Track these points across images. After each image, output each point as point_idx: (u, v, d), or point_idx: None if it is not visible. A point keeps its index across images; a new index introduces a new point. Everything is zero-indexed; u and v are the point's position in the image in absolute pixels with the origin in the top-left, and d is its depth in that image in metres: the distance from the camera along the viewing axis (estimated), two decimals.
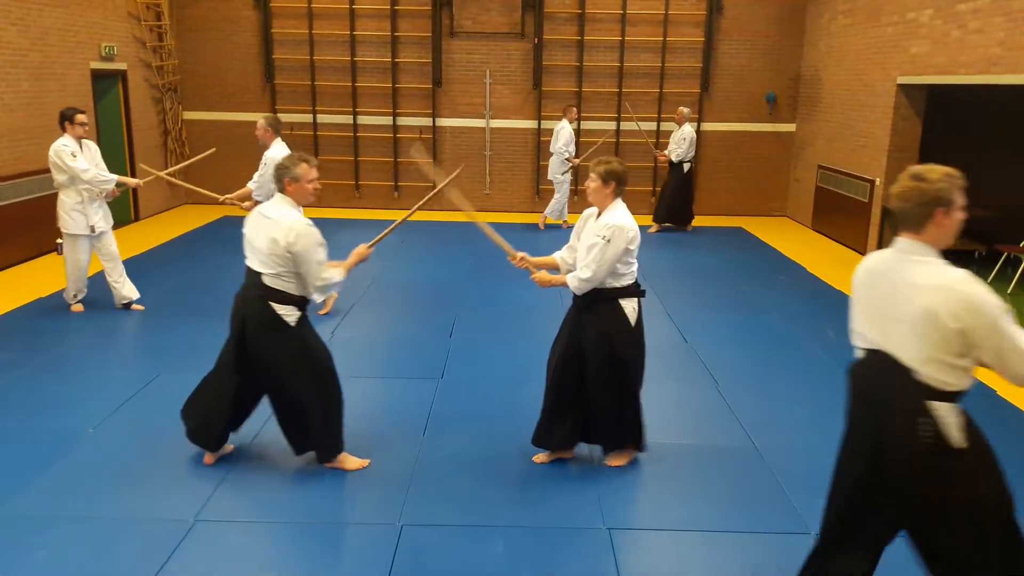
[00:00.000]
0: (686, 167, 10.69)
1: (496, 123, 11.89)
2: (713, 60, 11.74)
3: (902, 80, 8.89)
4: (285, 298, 3.84)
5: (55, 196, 9.42)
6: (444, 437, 4.51)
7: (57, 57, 8.93)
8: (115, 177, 6.44)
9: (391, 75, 11.73)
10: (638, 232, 3.87)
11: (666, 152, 10.77)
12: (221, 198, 6.64)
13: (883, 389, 2.54)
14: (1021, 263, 8.20)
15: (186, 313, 6.64)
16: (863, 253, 9.67)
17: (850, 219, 10.00)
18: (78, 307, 6.66)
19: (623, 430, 4.13)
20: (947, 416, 2.45)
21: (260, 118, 6.57)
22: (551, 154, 10.72)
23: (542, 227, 10.78)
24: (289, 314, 3.85)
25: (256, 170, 6.59)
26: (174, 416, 4.69)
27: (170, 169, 6.87)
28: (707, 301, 7.50)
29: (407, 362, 5.77)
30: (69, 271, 6.54)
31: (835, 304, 7.49)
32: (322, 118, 11.83)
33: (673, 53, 11.72)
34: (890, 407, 2.51)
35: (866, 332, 2.65)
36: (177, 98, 11.62)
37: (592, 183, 3.87)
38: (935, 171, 2.45)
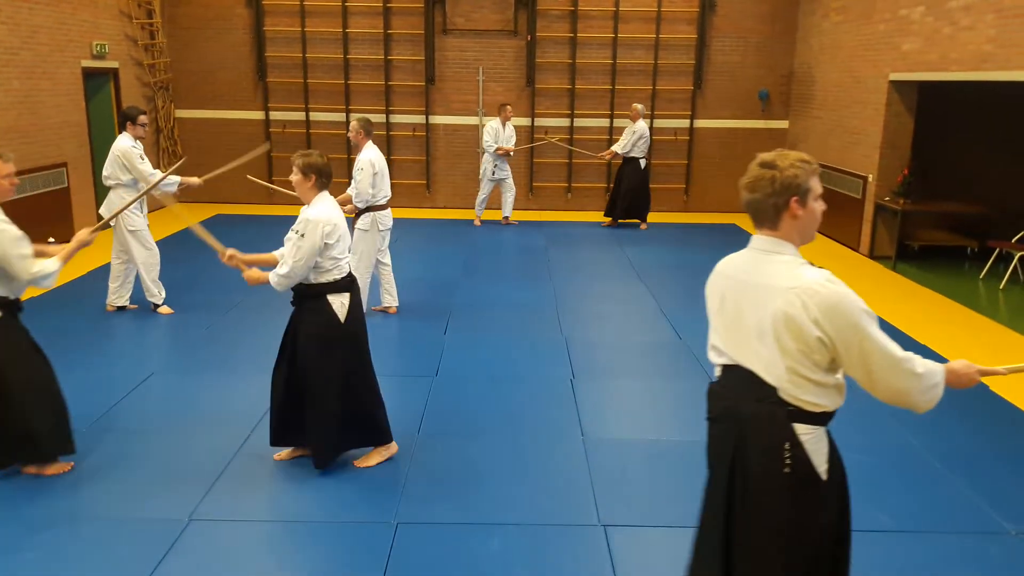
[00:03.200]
0: (642, 163, 10.70)
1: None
2: (706, 57, 11.75)
3: (894, 77, 8.92)
4: None
5: (48, 195, 9.34)
6: (439, 435, 4.52)
7: (48, 55, 8.88)
8: (178, 179, 6.40)
9: (384, 73, 11.71)
10: (337, 226, 3.79)
11: (611, 149, 10.84)
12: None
13: (742, 410, 2.21)
14: (1013, 259, 8.24)
15: (178, 312, 6.63)
16: (856, 249, 9.71)
17: (843, 215, 10.03)
18: (166, 309, 6.58)
19: (367, 430, 4.03)
20: (813, 442, 2.16)
21: (353, 120, 6.41)
22: (483, 152, 10.75)
23: (505, 223, 10.90)
24: None
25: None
26: (168, 415, 4.69)
27: (231, 165, 6.83)
28: (701, 298, 7.47)
29: (401, 360, 5.77)
30: (145, 269, 6.43)
31: None
32: (315, 116, 11.81)
33: (666, 50, 11.73)
34: (750, 431, 2.19)
35: (721, 346, 2.31)
36: (169, 96, 11.58)
37: (293, 176, 3.84)
38: (788, 156, 2.16)
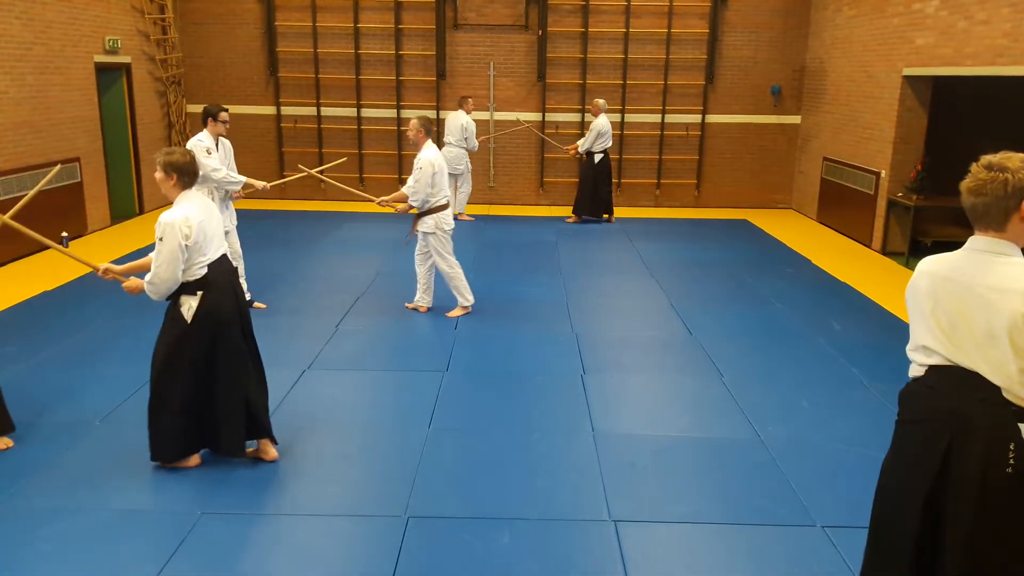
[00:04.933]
0: (596, 158, 10.58)
1: (500, 116, 11.86)
2: (718, 52, 11.69)
3: (908, 72, 8.84)
4: None
5: (60, 190, 9.38)
6: (450, 429, 4.52)
7: (61, 51, 8.93)
8: (243, 179, 6.35)
9: (395, 68, 11.71)
10: (197, 226, 3.69)
11: (576, 145, 10.77)
12: (377, 200, 6.48)
13: (964, 410, 2.22)
14: None
15: None
16: (868, 245, 9.64)
17: (856, 211, 9.97)
18: (259, 304, 6.59)
19: (151, 432, 3.91)
20: None
21: (413, 118, 6.32)
22: (444, 144, 10.53)
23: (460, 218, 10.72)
24: None
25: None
26: None
27: (317, 170, 6.99)
28: (712, 294, 7.49)
29: (412, 355, 5.78)
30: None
31: (840, 296, 7.48)
32: (326, 111, 11.83)
33: (678, 45, 11.67)
34: (973, 430, 2.20)
35: (935, 347, 2.30)
36: (181, 91, 11.62)
37: (156, 174, 3.79)
38: (1014, 159, 2.17)
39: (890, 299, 7.30)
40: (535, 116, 11.86)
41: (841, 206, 10.50)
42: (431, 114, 11.82)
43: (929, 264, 2.39)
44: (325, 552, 3.39)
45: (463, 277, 6.59)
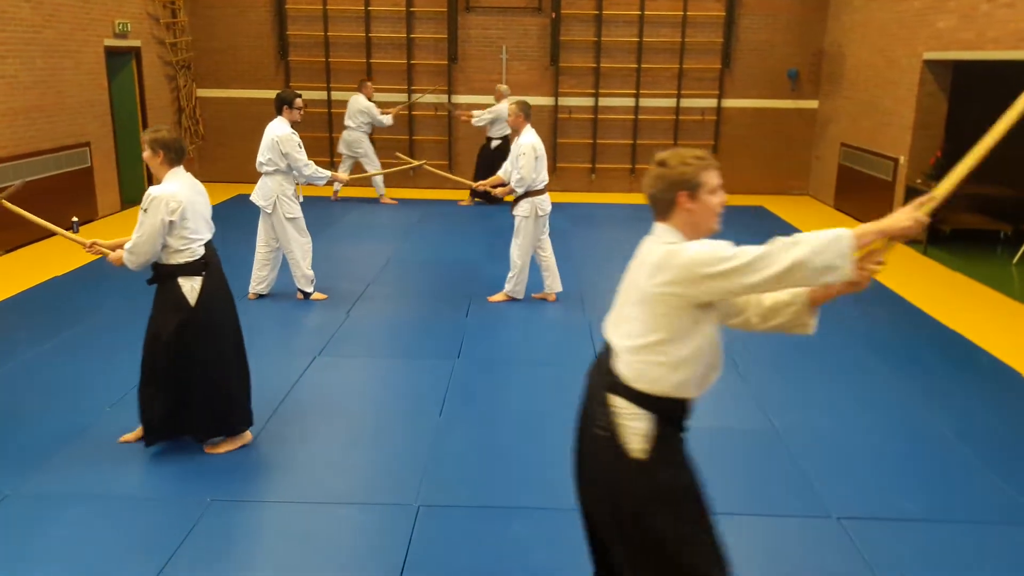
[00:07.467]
0: (493, 144, 10.57)
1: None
2: (734, 35, 11.52)
3: (928, 56, 8.67)
4: None
5: (71, 174, 9.36)
6: (460, 417, 4.48)
7: (71, 34, 8.89)
8: (328, 174, 6.31)
9: (406, 51, 11.61)
10: (186, 205, 3.67)
11: (473, 114, 10.65)
12: (476, 184, 6.42)
13: (590, 383, 2.40)
14: None
15: None
16: None
17: (873, 198, 9.82)
18: (320, 295, 6.48)
19: (210, 418, 3.91)
20: (629, 418, 2.24)
21: (511, 103, 6.21)
22: (345, 127, 10.63)
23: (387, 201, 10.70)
24: None
25: None
26: None
27: (415, 164, 7.37)
28: None
29: (423, 342, 5.73)
30: (300, 257, 6.27)
31: None
32: (336, 95, 11.75)
33: (693, 28, 11.51)
34: (586, 394, 2.40)
35: (606, 322, 2.50)
36: (191, 75, 11.57)
37: (144, 153, 3.78)
38: (677, 155, 2.27)
39: (907, 288, 7.19)
40: (548, 100, 11.74)
41: (859, 193, 10.35)
42: (442, 99, 11.74)
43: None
44: (335, 540, 3.37)
45: (527, 271, 6.52)
